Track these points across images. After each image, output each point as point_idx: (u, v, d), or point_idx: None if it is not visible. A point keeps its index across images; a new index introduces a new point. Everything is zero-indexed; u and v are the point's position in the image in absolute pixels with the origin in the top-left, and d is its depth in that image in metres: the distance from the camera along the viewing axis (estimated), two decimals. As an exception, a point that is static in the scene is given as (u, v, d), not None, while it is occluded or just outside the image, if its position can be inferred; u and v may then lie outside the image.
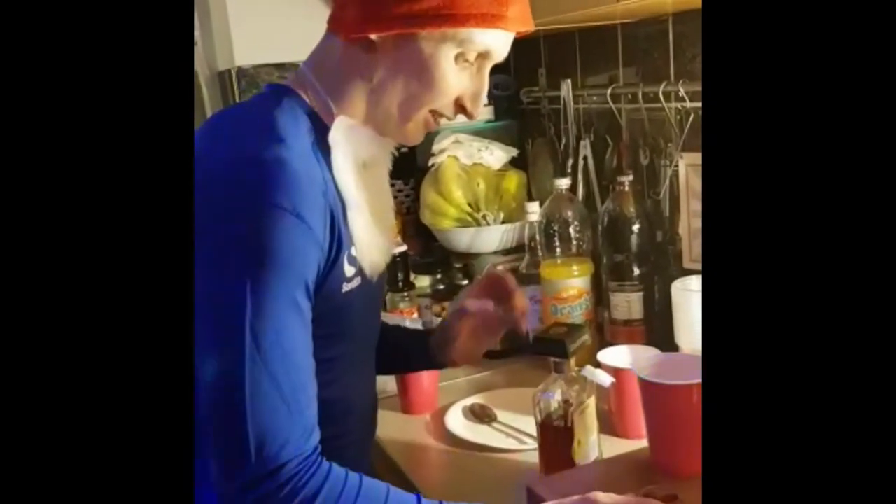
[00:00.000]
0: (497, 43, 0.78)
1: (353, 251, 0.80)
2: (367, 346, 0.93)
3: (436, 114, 0.81)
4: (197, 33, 1.61)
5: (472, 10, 0.75)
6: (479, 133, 1.57)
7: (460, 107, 0.81)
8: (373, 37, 0.76)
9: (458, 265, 1.47)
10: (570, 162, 1.46)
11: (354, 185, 0.79)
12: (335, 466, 0.73)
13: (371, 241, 0.82)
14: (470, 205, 1.46)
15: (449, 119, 0.83)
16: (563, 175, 1.39)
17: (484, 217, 1.45)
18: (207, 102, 1.63)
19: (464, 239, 1.44)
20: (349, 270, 0.79)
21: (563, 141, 1.49)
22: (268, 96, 0.82)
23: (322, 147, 0.77)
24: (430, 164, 1.50)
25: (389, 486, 0.75)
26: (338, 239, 0.77)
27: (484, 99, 0.82)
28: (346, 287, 0.80)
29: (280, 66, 1.55)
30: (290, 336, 0.71)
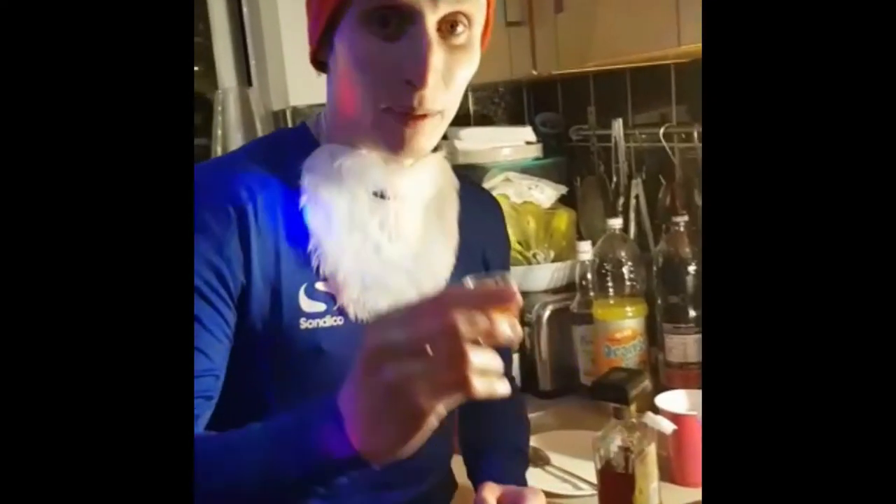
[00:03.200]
0: None
1: (321, 286, 0.75)
2: None
3: (395, 112, 0.71)
4: (253, 74, 1.64)
5: None
6: (527, 170, 1.57)
7: (409, 84, 0.69)
8: (322, 59, 0.77)
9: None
10: (622, 201, 1.46)
11: (341, 215, 0.75)
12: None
13: (362, 280, 0.76)
14: (520, 243, 1.46)
15: (411, 108, 0.69)
16: (615, 214, 1.39)
17: (534, 256, 1.45)
18: (260, 140, 1.66)
19: (514, 277, 1.43)
20: (309, 305, 0.75)
21: (614, 179, 1.49)
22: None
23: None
24: (479, 202, 1.50)
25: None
26: (276, 266, 0.73)
27: (431, 67, 0.67)
28: (305, 323, 0.75)
29: (332, 106, 1.57)
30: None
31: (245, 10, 1.75)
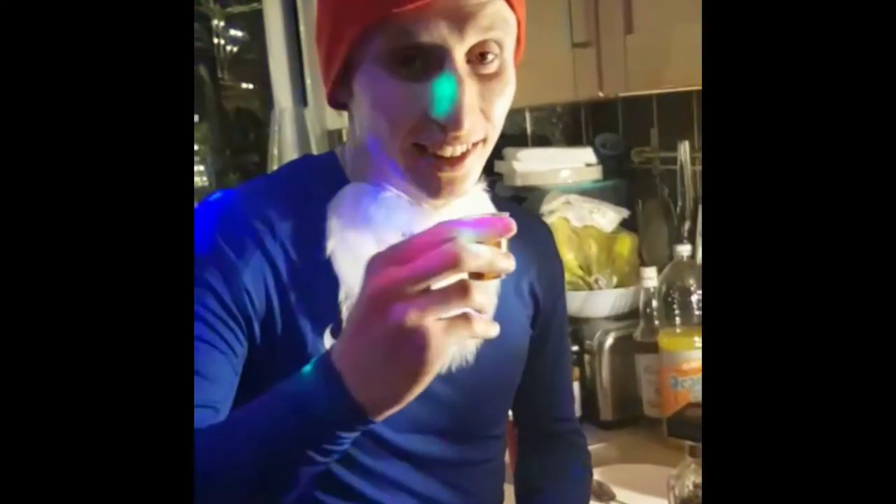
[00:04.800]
0: (418, 26, 0.61)
1: None
2: (417, 467, 0.76)
3: (430, 154, 0.66)
4: (309, 93, 1.64)
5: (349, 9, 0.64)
6: (586, 193, 1.54)
7: (439, 126, 0.64)
8: (341, 101, 0.73)
9: (567, 329, 1.43)
10: (687, 226, 1.41)
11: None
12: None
13: None
14: (581, 268, 1.42)
15: (441, 145, 0.65)
16: (681, 240, 1.35)
17: (596, 281, 1.41)
18: (316, 160, 1.66)
19: (574, 303, 1.40)
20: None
21: (679, 204, 1.45)
22: (310, 157, 0.82)
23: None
24: (539, 225, 1.47)
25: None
26: (298, 301, 0.70)
27: (466, 108, 0.63)
28: None
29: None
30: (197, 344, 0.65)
31: (302, 28, 1.75)
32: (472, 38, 0.63)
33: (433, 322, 0.50)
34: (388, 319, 0.50)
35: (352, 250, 0.70)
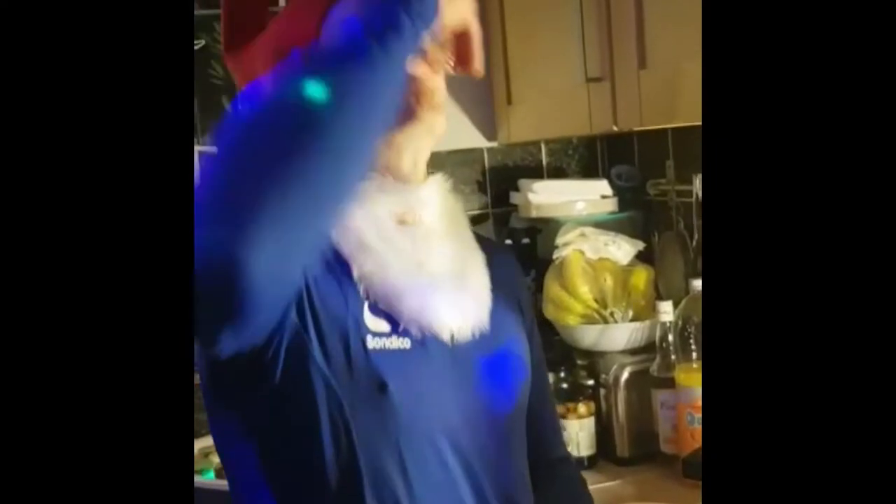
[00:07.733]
0: None
1: (382, 305, 0.73)
2: (440, 454, 0.74)
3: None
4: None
5: None
6: (602, 225, 1.53)
7: None
8: None
9: (582, 363, 1.42)
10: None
11: (372, 238, 0.73)
12: None
13: (419, 292, 0.73)
14: (596, 301, 1.41)
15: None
16: (696, 274, 1.33)
17: (612, 314, 1.40)
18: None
19: (590, 336, 1.39)
20: (374, 322, 0.72)
21: (695, 237, 1.44)
22: None
23: None
24: (554, 257, 1.47)
25: None
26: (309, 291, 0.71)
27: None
28: (372, 342, 0.72)
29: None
30: None
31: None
32: None
33: None
34: None
35: (353, 231, 0.73)
